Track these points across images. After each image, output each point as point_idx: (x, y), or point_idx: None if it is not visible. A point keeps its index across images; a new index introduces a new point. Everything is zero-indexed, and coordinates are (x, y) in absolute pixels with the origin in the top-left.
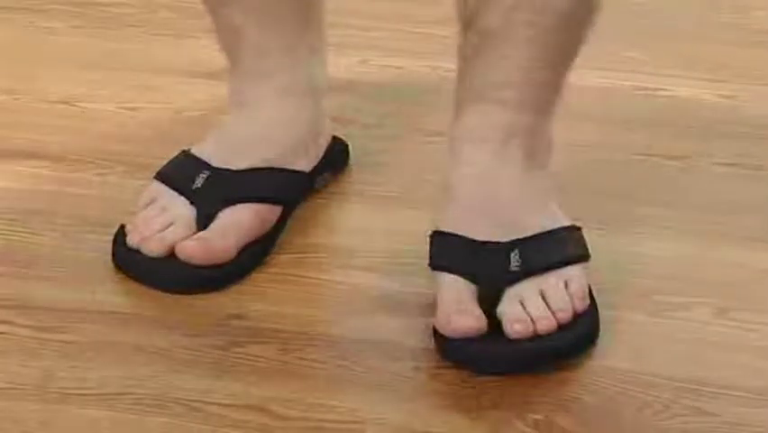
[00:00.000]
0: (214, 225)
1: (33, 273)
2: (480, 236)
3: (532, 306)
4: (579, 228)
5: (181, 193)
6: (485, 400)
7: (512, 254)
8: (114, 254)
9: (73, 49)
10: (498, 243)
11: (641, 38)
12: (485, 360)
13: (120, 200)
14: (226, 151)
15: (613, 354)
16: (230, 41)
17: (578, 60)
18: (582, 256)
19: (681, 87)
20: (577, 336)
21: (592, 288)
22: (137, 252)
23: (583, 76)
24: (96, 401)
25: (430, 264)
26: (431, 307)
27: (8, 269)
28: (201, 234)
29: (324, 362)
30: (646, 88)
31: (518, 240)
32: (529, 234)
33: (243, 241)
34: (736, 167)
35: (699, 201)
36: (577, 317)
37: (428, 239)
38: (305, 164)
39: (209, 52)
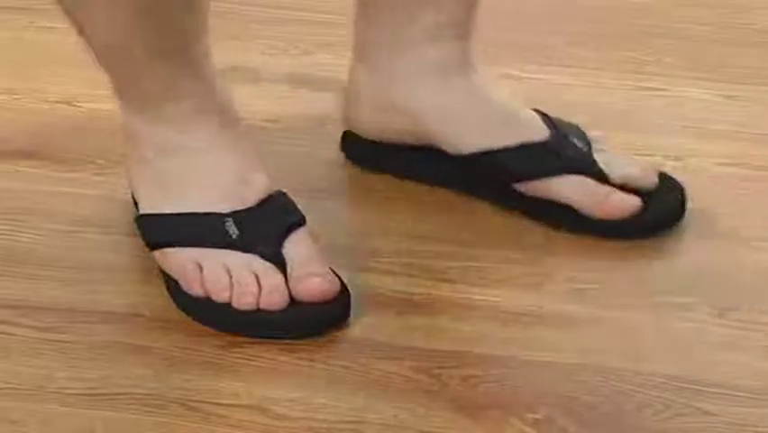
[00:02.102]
0: (304, 259)
1: (33, 273)
2: (534, 137)
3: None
4: None
5: (231, 248)
6: (485, 400)
7: (572, 138)
8: (228, 323)
9: (73, 49)
10: (557, 133)
11: (641, 38)
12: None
13: (120, 200)
14: (225, 194)
15: (613, 354)
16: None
17: (578, 60)
18: None
19: (682, 87)
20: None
21: (591, 289)
22: (255, 312)
23: (583, 76)
24: (96, 401)
25: (553, 170)
26: (432, 307)
27: (8, 269)
28: (312, 269)
29: (324, 362)
30: (646, 88)
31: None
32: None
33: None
34: (736, 167)
35: (698, 201)
36: None
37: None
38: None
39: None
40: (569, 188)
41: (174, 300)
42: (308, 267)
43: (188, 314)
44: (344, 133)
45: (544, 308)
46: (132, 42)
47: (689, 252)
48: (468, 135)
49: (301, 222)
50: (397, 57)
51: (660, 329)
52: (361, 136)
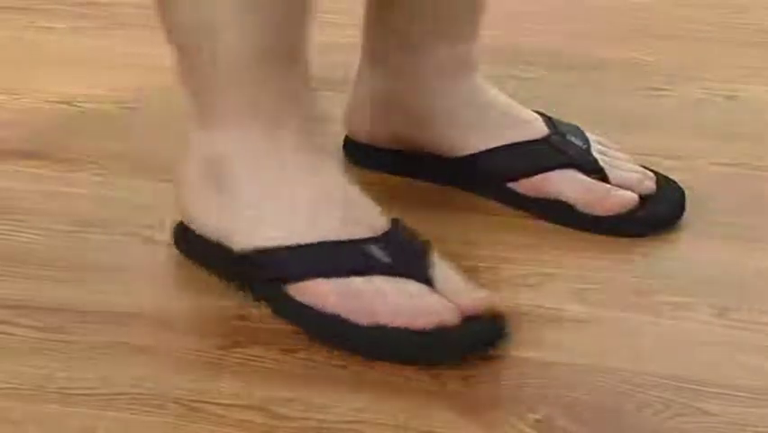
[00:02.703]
0: (453, 277)
1: (33, 273)
2: (530, 136)
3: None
4: None
5: (384, 273)
6: (485, 400)
7: (571, 137)
8: (409, 349)
9: (73, 49)
10: (554, 131)
11: (641, 38)
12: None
13: (120, 200)
14: (356, 219)
15: (613, 354)
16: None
17: (578, 60)
18: None
19: (682, 87)
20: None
21: (591, 289)
22: (434, 332)
23: (583, 76)
24: (96, 401)
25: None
26: None
27: (8, 269)
28: (468, 285)
29: (324, 362)
30: (647, 88)
31: (552, 129)
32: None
33: None
34: (735, 167)
35: (698, 201)
36: None
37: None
38: None
39: None
40: (566, 185)
41: (327, 336)
42: (462, 283)
43: (357, 348)
44: (346, 137)
45: (544, 308)
46: (274, 43)
47: (689, 252)
48: (469, 138)
49: (429, 243)
50: (405, 59)
51: (660, 329)
52: (361, 140)
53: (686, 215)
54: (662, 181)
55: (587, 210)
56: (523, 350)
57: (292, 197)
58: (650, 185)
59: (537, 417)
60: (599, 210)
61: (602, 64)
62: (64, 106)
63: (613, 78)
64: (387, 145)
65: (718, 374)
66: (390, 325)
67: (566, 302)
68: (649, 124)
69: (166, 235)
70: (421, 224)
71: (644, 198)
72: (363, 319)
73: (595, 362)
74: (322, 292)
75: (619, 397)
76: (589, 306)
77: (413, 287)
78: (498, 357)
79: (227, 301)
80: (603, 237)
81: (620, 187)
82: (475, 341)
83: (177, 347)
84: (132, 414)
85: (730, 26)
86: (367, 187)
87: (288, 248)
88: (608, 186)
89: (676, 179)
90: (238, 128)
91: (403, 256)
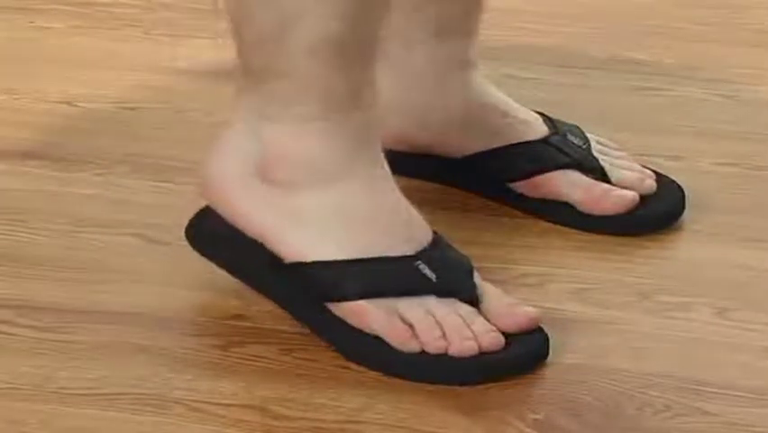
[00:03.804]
0: (495, 293)
1: (33, 273)
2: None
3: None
4: None
5: (431, 293)
6: (485, 400)
7: (570, 136)
8: (454, 373)
9: (73, 49)
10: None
11: (641, 38)
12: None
13: (120, 200)
14: (404, 235)
15: (613, 354)
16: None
17: (578, 60)
18: None
19: (681, 87)
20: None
21: (591, 289)
22: (479, 356)
23: (583, 76)
24: (96, 401)
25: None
26: None
27: (8, 269)
28: (510, 300)
29: (324, 362)
30: (646, 88)
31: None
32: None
33: None
34: (736, 167)
35: (698, 201)
36: None
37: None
38: None
39: (210, 52)
40: (567, 185)
41: (378, 363)
42: (506, 299)
43: (403, 373)
44: None
45: (544, 308)
46: (345, 30)
47: (689, 252)
48: (468, 139)
49: (470, 259)
50: (403, 59)
51: (660, 329)
52: None
53: (686, 215)
54: (663, 181)
55: (587, 210)
56: None
57: (353, 210)
58: (650, 184)
59: (537, 417)
60: (600, 210)
61: (602, 64)
62: (64, 106)
63: (613, 78)
64: (386, 146)
65: (718, 374)
66: (431, 351)
67: (566, 302)
68: (649, 124)
69: (166, 235)
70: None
71: (644, 198)
72: (407, 344)
73: (595, 362)
74: (373, 315)
75: (619, 397)
76: (589, 306)
77: (462, 310)
78: None
79: (227, 301)
80: (603, 237)
81: (621, 186)
82: (517, 363)
83: (177, 347)
84: (132, 414)
85: (730, 26)
86: None
87: (345, 264)
88: (608, 186)
89: (676, 180)
90: (299, 124)
91: (450, 274)
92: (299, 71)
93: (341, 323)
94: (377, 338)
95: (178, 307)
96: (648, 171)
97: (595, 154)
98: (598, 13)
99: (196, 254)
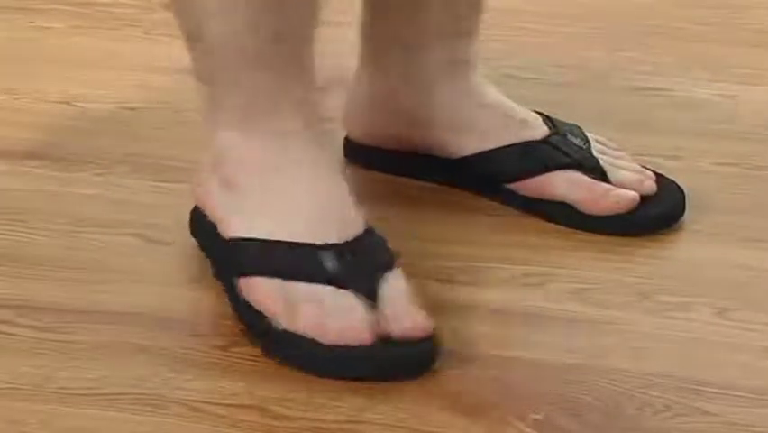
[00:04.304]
0: (399, 296)
1: (33, 273)
2: (528, 137)
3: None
4: None
5: (327, 282)
6: (485, 400)
7: (569, 137)
8: (319, 362)
9: (73, 49)
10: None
11: (641, 38)
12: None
13: (120, 200)
14: (324, 225)
15: (613, 354)
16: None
17: (578, 61)
18: None
19: (682, 87)
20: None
21: (591, 289)
22: (344, 348)
23: (583, 76)
24: (96, 401)
25: (546, 166)
26: (431, 308)
27: (8, 269)
28: (410, 307)
29: None
30: (646, 88)
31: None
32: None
33: None
34: (735, 167)
35: (698, 201)
36: None
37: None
38: None
39: None
40: (566, 185)
41: (255, 334)
42: (406, 305)
43: (271, 351)
44: (345, 137)
45: (545, 308)
46: (246, 35)
47: (689, 252)
48: (467, 139)
49: (396, 262)
50: (402, 58)
51: (660, 329)
52: (359, 141)
53: (686, 215)
54: (663, 181)
55: (587, 210)
56: (523, 350)
57: (282, 201)
58: (650, 185)
59: (537, 417)
60: (599, 210)
61: (602, 64)
62: (64, 106)
63: (613, 79)
64: (386, 145)
65: (718, 374)
66: (302, 334)
67: (566, 302)
68: (649, 124)
69: (166, 235)
70: (420, 224)
71: (644, 198)
72: (285, 323)
73: (595, 362)
74: (262, 291)
75: (619, 397)
76: (589, 306)
77: (349, 301)
78: (498, 357)
79: (227, 301)
80: (603, 237)
81: (620, 187)
82: (386, 364)
83: (177, 347)
84: (132, 414)
85: (730, 26)
86: (368, 186)
87: (246, 242)
88: (608, 186)
89: (676, 180)
90: (238, 127)
91: (353, 268)
92: (215, 75)
93: (243, 299)
94: (261, 314)
95: (178, 307)
96: (648, 172)
97: (595, 154)
98: (598, 13)
99: (196, 254)
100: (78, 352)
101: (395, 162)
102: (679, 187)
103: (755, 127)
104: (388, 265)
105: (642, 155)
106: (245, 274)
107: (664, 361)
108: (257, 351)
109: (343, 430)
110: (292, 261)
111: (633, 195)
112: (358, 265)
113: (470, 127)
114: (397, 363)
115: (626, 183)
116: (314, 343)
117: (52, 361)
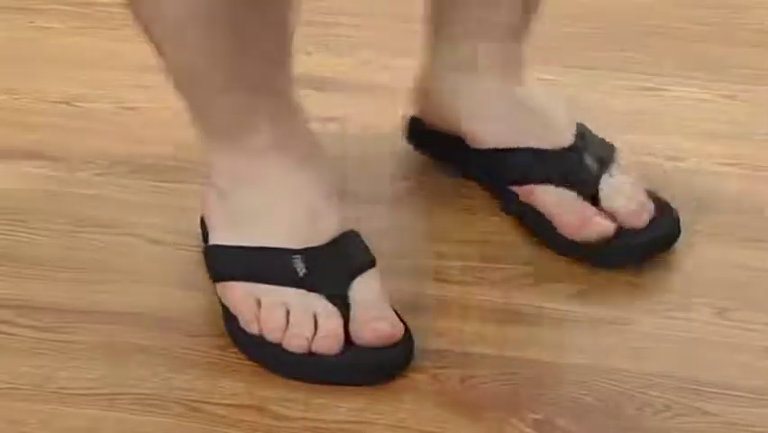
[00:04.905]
0: (369, 302)
1: (33, 273)
2: (547, 144)
3: (634, 194)
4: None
5: (296, 286)
6: (485, 400)
7: (585, 155)
8: (282, 364)
9: (73, 49)
10: (574, 146)
11: (641, 38)
12: (621, 252)
13: (120, 200)
14: (295, 229)
15: (613, 354)
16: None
17: (578, 61)
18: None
19: (681, 87)
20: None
21: (591, 289)
22: (308, 355)
23: (584, 76)
24: (96, 401)
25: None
26: (431, 308)
27: (8, 269)
28: (377, 313)
29: None
30: (646, 88)
31: (576, 141)
32: (574, 134)
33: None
34: (736, 167)
35: (699, 201)
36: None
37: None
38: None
39: None
40: (552, 199)
41: (230, 336)
42: (373, 311)
43: (243, 352)
44: (411, 119)
45: (544, 308)
46: (210, 66)
47: (689, 252)
48: (491, 133)
49: (371, 263)
50: (448, 49)
51: (660, 329)
52: (421, 121)
53: (686, 215)
54: (663, 212)
55: (564, 232)
56: (523, 350)
57: (257, 203)
58: (642, 218)
59: (537, 417)
60: (575, 235)
61: (602, 64)
62: (64, 106)
63: (613, 78)
64: (438, 128)
65: (718, 374)
66: (267, 338)
67: (566, 302)
68: (649, 124)
69: (166, 235)
70: (422, 223)
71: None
72: (252, 328)
73: (595, 362)
74: (233, 295)
75: (619, 397)
76: (590, 306)
77: (320, 308)
78: (497, 357)
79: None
80: (572, 259)
81: (611, 215)
82: (352, 372)
83: (176, 347)
84: (132, 414)
85: (730, 26)
86: (370, 188)
87: (223, 249)
88: (593, 212)
89: (676, 179)
90: (216, 141)
91: (323, 272)
92: (187, 96)
93: (223, 303)
94: (234, 316)
95: (178, 307)
96: (649, 205)
97: (603, 181)
98: (598, 13)
99: (196, 254)
100: (78, 352)
101: (440, 146)
102: (671, 221)
103: (755, 127)
104: (362, 267)
105: (642, 155)
106: (222, 279)
107: (664, 361)
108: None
109: (343, 430)
110: (263, 265)
111: (609, 227)
112: (330, 268)
113: (497, 122)
114: (361, 369)
115: (616, 212)
116: (280, 348)
117: (52, 361)
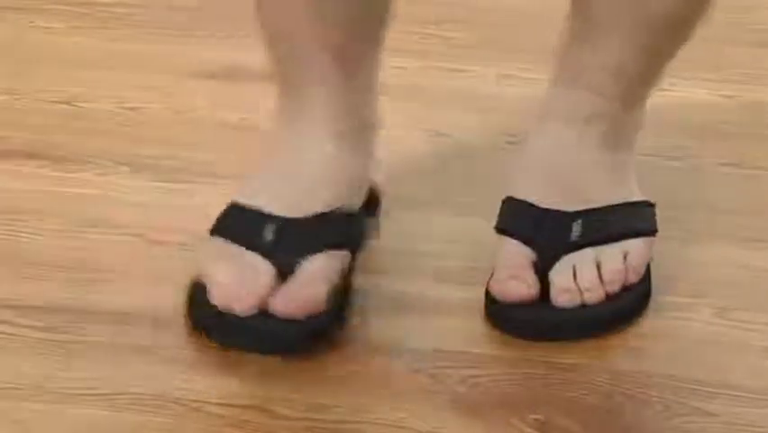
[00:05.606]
0: (302, 276)
1: (33, 273)
2: (546, 204)
3: (583, 276)
4: (651, 204)
5: (253, 249)
6: (485, 400)
7: (574, 224)
8: (194, 317)
9: (73, 49)
10: (563, 211)
11: None
12: (529, 326)
13: (120, 200)
14: (285, 197)
15: (613, 354)
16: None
17: None
18: (647, 230)
19: (682, 87)
20: (618, 309)
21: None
22: (224, 313)
23: None
24: (96, 401)
25: (495, 227)
26: (432, 308)
27: (8, 269)
28: (292, 285)
29: (324, 362)
30: None
31: (583, 210)
32: (595, 205)
33: (331, 289)
34: (735, 167)
35: (699, 201)
36: (626, 289)
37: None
38: (357, 205)
39: (210, 52)
40: (500, 250)
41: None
42: (302, 282)
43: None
44: None
45: None
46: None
47: (689, 252)
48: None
49: (342, 244)
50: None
51: (660, 329)
52: None
53: (686, 215)
54: (611, 301)
55: (490, 286)
56: (523, 350)
57: (273, 174)
58: (579, 301)
59: (537, 417)
60: (491, 288)
61: None
62: (64, 106)
63: None
64: None
65: (718, 374)
66: (202, 286)
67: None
68: (649, 124)
69: (166, 235)
70: (423, 225)
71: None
72: (199, 276)
73: (595, 362)
74: (205, 247)
75: (619, 397)
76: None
77: (258, 270)
78: (497, 357)
79: None
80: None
81: (555, 285)
82: (258, 339)
83: (176, 347)
84: (132, 414)
85: (732, 26)
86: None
87: (231, 207)
88: (520, 272)
89: (676, 179)
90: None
91: (289, 243)
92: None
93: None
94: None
95: (178, 307)
96: (599, 292)
97: (573, 251)
98: None
99: (195, 254)
100: (78, 352)
101: None
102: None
103: (755, 127)
104: (327, 246)
105: (642, 155)
106: (211, 234)
107: (664, 361)
108: (257, 351)
109: (343, 430)
110: (239, 226)
111: (522, 291)
112: (296, 241)
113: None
114: (265, 336)
115: (557, 282)
116: (206, 303)
117: (52, 361)
